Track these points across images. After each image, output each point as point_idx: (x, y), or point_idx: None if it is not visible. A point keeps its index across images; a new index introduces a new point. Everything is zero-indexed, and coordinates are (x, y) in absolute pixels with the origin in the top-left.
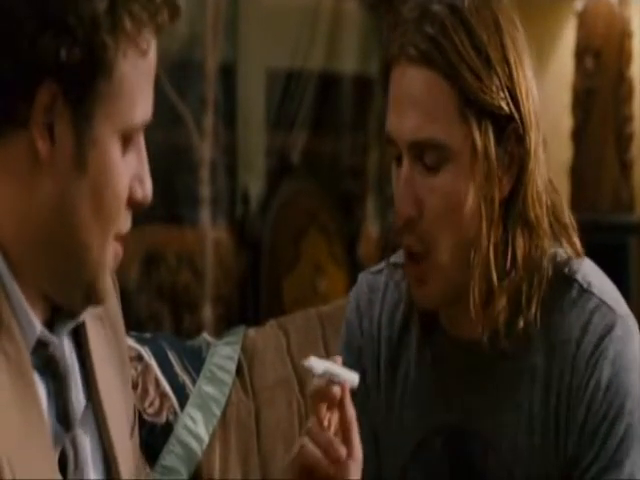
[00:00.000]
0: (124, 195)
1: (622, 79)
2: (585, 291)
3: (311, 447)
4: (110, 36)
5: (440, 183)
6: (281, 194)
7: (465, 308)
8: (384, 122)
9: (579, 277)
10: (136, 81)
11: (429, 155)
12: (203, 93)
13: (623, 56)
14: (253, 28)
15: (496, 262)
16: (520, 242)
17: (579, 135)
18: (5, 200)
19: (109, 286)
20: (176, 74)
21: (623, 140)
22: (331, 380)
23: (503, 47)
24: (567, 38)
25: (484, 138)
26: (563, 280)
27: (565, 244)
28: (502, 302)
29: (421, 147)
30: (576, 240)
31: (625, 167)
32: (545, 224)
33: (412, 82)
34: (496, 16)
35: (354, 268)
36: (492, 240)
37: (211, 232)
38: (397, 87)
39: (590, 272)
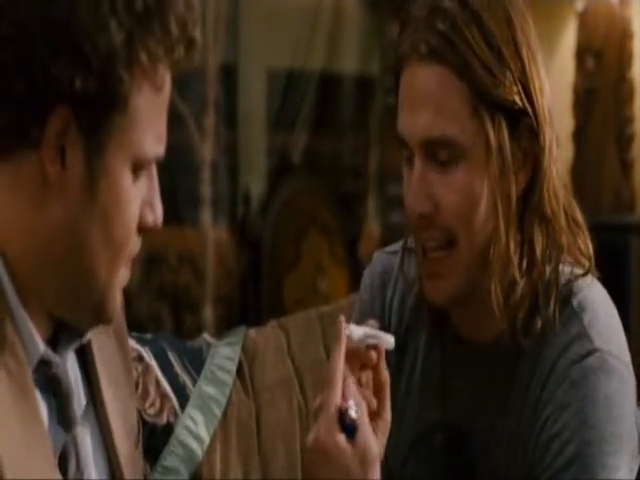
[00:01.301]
0: (134, 222)
1: (623, 80)
2: (576, 316)
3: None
4: (126, 70)
5: (455, 180)
6: (282, 194)
7: (474, 310)
8: (385, 122)
9: (575, 301)
10: (150, 115)
11: (442, 153)
12: (204, 93)
13: (624, 57)
14: (254, 28)
15: (516, 257)
16: (538, 237)
17: (580, 135)
18: (14, 219)
19: (118, 305)
20: (177, 74)
21: (624, 140)
22: (368, 344)
23: (515, 42)
24: (568, 38)
25: (498, 133)
26: (561, 300)
27: (581, 245)
28: (523, 297)
29: (434, 145)
30: (589, 242)
31: (626, 167)
32: (562, 219)
33: (424, 80)
34: (508, 12)
35: (355, 268)
36: (511, 236)
37: (212, 232)
38: (409, 86)
39: (590, 298)
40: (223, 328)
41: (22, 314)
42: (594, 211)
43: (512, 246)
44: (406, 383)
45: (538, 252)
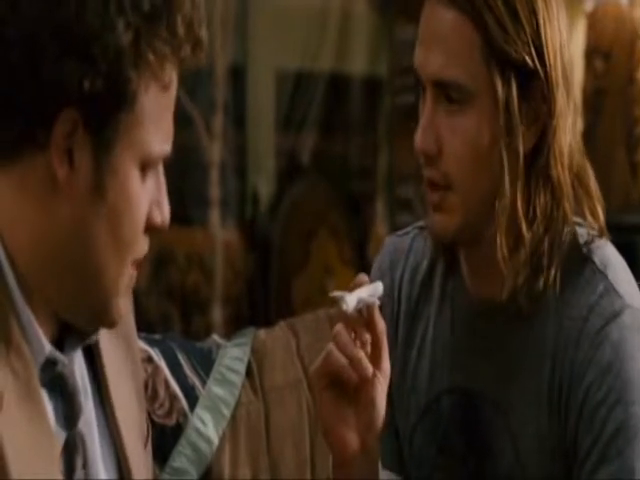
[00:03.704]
0: (142, 222)
1: (632, 80)
2: (600, 273)
3: (337, 354)
4: (133, 70)
5: (462, 124)
6: (291, 195)
7: (486, 264)
8: (394, 123)
9: (597, 259)
10: (157, 114)
11: (452, 94)
12: (213, 94)
13: (633, 57)
14: (262, 29)
15: (522, 213)
16: (542, 199)
17: (589, 136)
18: (21, 221)
19: (123, 309)
20: (185, 75)
21: (633, 141)
22: (361, 308)
23: (534, 6)
24: (577, 39)
25: (506, 88)
26: (581, 259)
27: (587, 212)
28: (526, 254)
29: (444, 86)
30: (599, 209)
31: (634, 168)
32: (568, 185)
33: (440, 21)
34: None
35: (364, 269)
36: (518, 191)
37: (221, 233)
38: (426, 23)
39: (610, 257)
40: (232, 329)
41: (28, 314)
42: (602, 211)
43: (519, 202)
44: (417, 353)
45: (539, 213)
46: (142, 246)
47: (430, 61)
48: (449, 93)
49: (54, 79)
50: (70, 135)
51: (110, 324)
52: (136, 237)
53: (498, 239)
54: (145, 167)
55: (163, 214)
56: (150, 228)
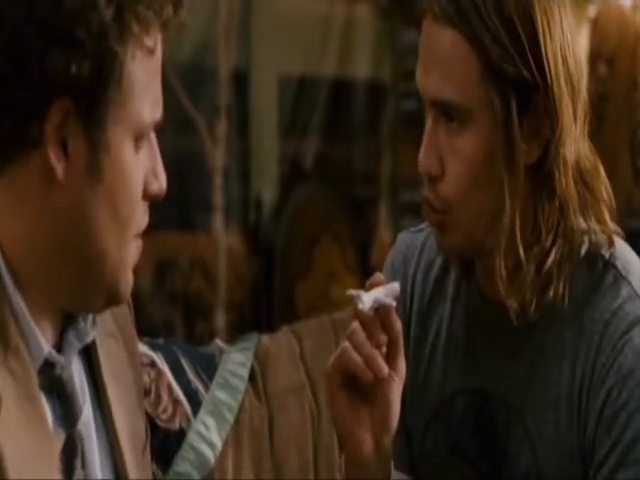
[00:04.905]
0: (139, 193)
1: (635, 85)
2: (623, 278)
3: (352, 351)
4: (118, 43)
5: (461, 145)
6: (294, 200)
7: (494, 268)
8: (397, 128)
9: (619, 265)
10: (145, 81)
11: (452, 113)
12: (216, 99)
13: (636, 62)
14: (266, 34)
15: (522, 232)
16: (546, 212)
17: (592, 141)
18: (15, 222)
19: (130, 283)
20: (189, 80)
21: (636, 146)
22: (378, 307)
23: (532, 13)
24: (580, 44)
25: (505, 106)
26: (603, 264)
27: (593, 220)
28: (530, 272)
29: (443, 106)
30: (606, 217)
31: (638, 172)
32: (573, 196)
33: (436, 40)
34: None
35: (367, 274)
36: (517, 209)
37: (224, 238)
38: (424, 42)
39: (632, 263)
40: (235, 334)
41: (26, 316)
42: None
43: (518, 221)
44: (430, 351)
45: (544, 227)
46: (142, 217)
47: (428, 81)
48: (448, 112)
49: (42, 74)
50: (63, 125)
51: (120, 301)
52: (135, 210)
53: (497, 261)
54: (138, 137)
55: (159, 181)
56: (148, 196)
